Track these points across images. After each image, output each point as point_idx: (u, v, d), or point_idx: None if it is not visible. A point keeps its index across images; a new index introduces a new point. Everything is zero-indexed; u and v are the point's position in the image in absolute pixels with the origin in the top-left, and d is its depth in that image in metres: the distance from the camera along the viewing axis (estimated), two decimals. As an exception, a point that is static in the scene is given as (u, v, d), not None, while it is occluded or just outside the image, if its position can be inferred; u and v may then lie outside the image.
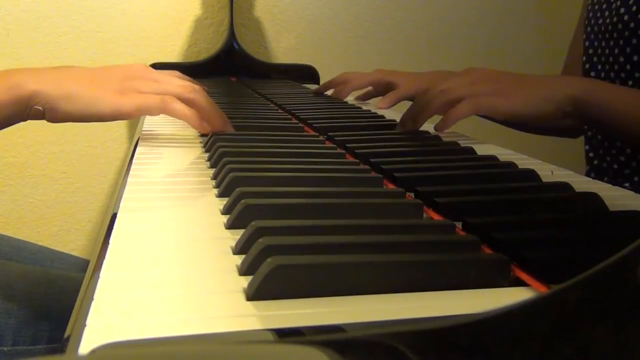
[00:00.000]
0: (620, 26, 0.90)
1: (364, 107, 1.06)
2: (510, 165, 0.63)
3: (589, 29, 0.99)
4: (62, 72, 0.69)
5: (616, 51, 0.92)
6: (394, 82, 1.11)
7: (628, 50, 0.90)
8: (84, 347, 0.27)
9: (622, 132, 0.79)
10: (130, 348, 0.26)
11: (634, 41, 0.89)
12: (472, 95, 0.75)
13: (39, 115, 0.66)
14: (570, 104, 0.74)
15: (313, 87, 1.35)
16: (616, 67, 0.93)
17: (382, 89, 1.15)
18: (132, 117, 0.70)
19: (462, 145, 0.73)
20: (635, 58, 0.89)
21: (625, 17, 0.90)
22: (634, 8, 0.88)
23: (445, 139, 0.77)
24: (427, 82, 1.03)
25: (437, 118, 0.82)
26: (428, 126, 0.85)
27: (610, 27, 0.92)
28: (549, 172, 0.64)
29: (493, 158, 0.66)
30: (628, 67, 0.91)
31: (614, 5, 0.93)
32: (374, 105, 1.11)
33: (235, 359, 0.20)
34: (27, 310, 0.72)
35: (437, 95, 0.77)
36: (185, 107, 0.71)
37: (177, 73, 0.90)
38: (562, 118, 0.77)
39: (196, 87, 0.74)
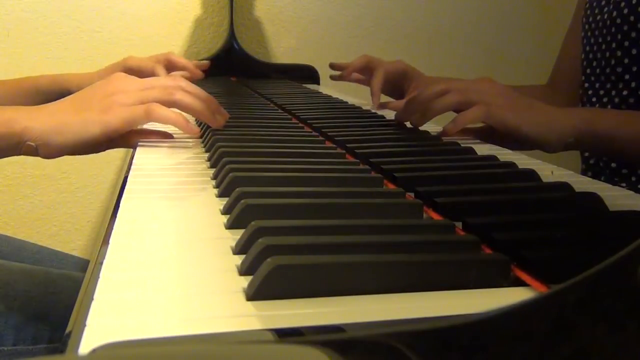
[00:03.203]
0: (619, 20, 0.91)
1: (364, 107, 1.06)
2: (510, 165, 0.63)
3: (587, 26, 1.00)
4: (50, 107, 0.70)
5: (614, 45, 0.93)
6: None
7: (626, 43, 0.90)
8: (84, 347, 0.27)
9: (625, 157, 0.80)
10: (130, 348, 0.26)
11: (633, 34, 0.89)
12: (485, 103, 0.76)
13: (32, 152, 0.66)
14: (573, 135, 0.75)
15: (313, 87, 1.35)
16: (613, 61, 0.93)
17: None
18: (122, 132, 0.69)
19: (462, 145, 0.73)
20: (634, 51, 0.90)
21: (625, 11, 0.90)
22: (634, 1, 0.89)
23: (445, 139, 0.77)
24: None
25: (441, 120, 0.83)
26: (429, 126, 0.85)
27: (608, 22, 0.93)
28: (549, 172, 0.64)
29: (493, 158, 0.66)
30: (626, 60, 0.91)
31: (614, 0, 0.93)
32: (373, 105, 1.11)
33: (235, 359, 0.20)
34: (27, 310, 0.72)
35: (453, 93, 0.77)
36: (170, 112, 0.71)
37: (159, 78, 0.86)
38: (563, 149, 0.77)
39: (179, 84, 0.73)
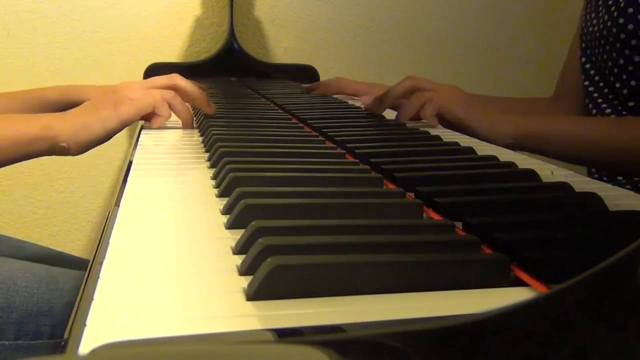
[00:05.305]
0: (605, 33, 0.94)
1: (364, 107, 1.06)
2: (510, 165, 0.63)
3: (583, 37, 1.02)
4: (73, 111, 0.80)
5: (605, 56, 0.95)
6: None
7: (614, 55, 0.93)
8: (84, 347, 0.27)
9: (561, 155, 0.88)
10: (130, 348, 0.26)
11: (618, 45, 0.92)
12: (435, 100, 0.90)
13: (64, 152, 0.75)
14: (510, 138, 0.86)
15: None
16: (607, 71, 0.95)
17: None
18: (135, 120, 0.82)
19: (462, 145, 0.73)
20: (621, 61, 0.92)
21: (609, 24, 0.93)
22: (615, 14, 0.92)
23: (444, 139, 0.77)
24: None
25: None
26: (422, 124, 0.85)
27: (598, 34, 0.96)
28: (549, 172, 0.64)
29: (493, 158, 0.66)
30: (615, 70, 0.93)
31: (601, 13, 0.96)
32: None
33: (235, 359, 0.20)
34: (29, 305, 0.72)
35: (426, 105, 0.90)
36: (180, 102, 0.86)
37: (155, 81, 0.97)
38: (505, 147, 0.83)
39: (177, 77, 0.89)
